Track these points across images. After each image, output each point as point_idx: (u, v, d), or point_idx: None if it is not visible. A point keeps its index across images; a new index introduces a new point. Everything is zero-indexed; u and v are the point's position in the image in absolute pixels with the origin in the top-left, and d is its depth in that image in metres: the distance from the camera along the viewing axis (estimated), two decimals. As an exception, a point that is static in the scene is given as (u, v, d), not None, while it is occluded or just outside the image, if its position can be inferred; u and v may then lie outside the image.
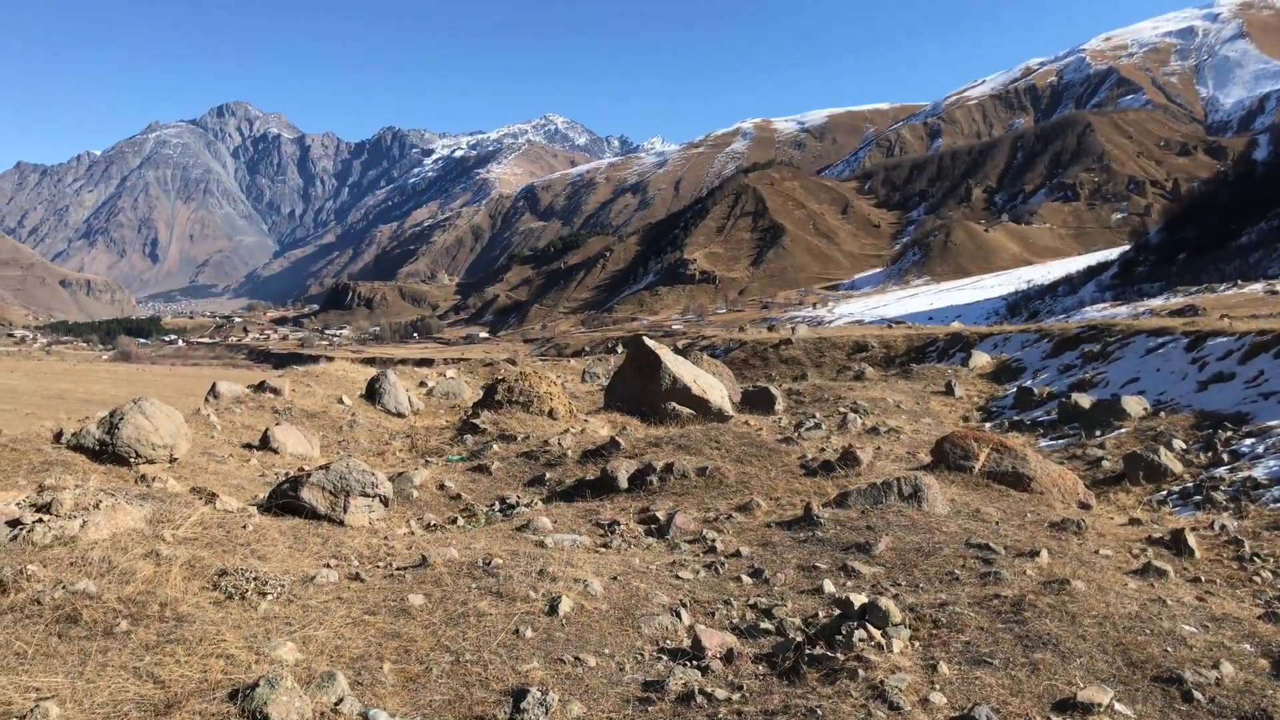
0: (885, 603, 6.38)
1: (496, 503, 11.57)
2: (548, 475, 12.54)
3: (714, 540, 9.00)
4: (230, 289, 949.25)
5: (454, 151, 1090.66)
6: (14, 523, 7.01)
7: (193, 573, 6.66)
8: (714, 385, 16.65)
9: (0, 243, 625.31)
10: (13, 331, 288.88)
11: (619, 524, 9.82)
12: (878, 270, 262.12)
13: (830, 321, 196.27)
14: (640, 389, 16.49)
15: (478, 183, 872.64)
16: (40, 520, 6.97)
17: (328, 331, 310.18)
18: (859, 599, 6.52)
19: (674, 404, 15.79)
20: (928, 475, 10.10)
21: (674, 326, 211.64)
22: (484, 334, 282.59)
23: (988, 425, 21.30)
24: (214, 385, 20.78)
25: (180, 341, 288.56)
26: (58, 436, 12.87)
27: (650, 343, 16.64)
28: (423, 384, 26.80)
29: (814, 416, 19.07)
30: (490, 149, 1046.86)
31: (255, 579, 6.69)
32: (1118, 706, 5.24)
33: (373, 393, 21.60)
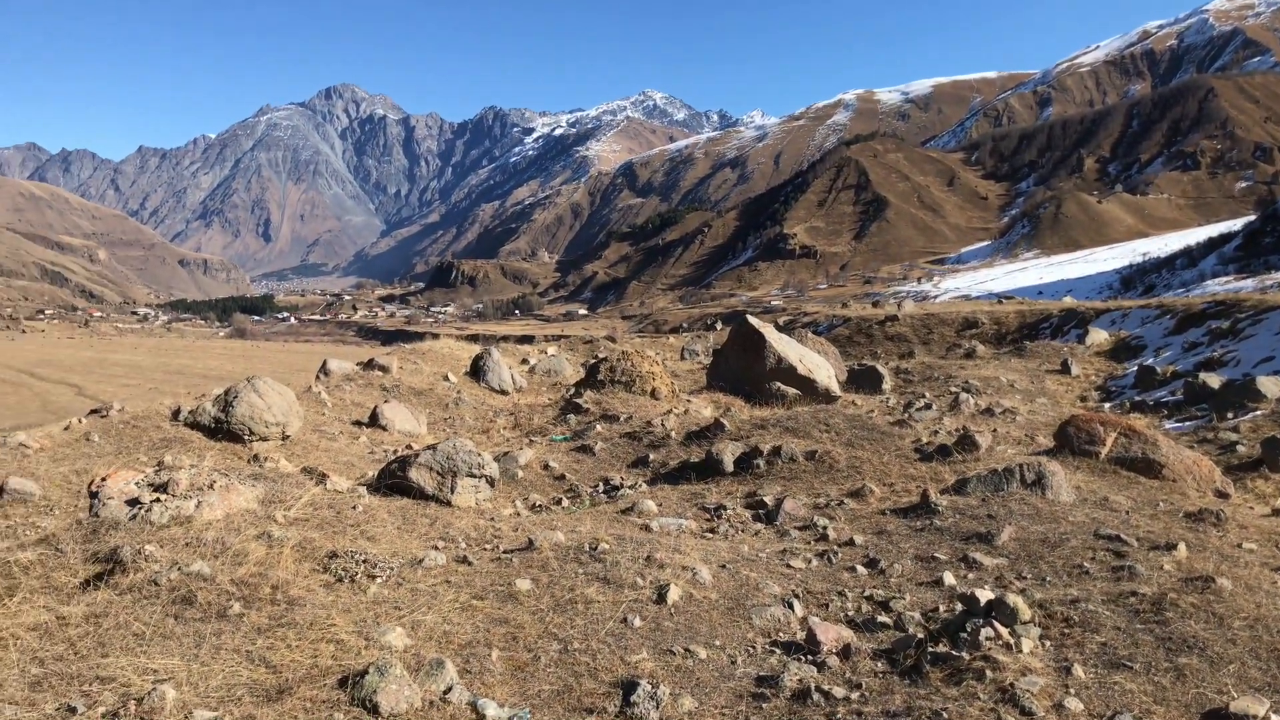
0: (1013, 599, 6.01)
1: (600, 484, 11.46)
2: (651, 457, 12.38)
3: (825, 527, 8.71)
4: (339, 268, 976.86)
5: (554, 130, 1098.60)
6: (133, 501, 7.15)
7: (303, 554, 6.69)
8: (820, 364, 16.24)
9: (124, 224, 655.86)
10: (136, 309, 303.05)
11: (725, 508, 9.59)
12: (985, 243, 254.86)
13: (935, 296, 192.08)
14: (744, 368, 16.18)
15: (577, 160, 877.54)
16: (158, 500, 7.08)
17: (433, 309, 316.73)
18: (984, 594, 6.16)
19: (779, 384, 15.45)
20: (1051, 461, 9.59)
21: (773, 302, 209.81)
22: (583, 311, 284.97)
23: (1107, 406, 20.37)
24: (325, 363, 21.25)
25: (292, 319, 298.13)
26: (175, 414, 13.25)
27: (754, 321, 16.31)
28: (525, 361, 26.99)
29: (924, 396, 18.51)
30: (589, 126, 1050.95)
31: (365, 561, 6.69)
32: (1275, 719, 4.81)
33: (477, 370, 21.80)
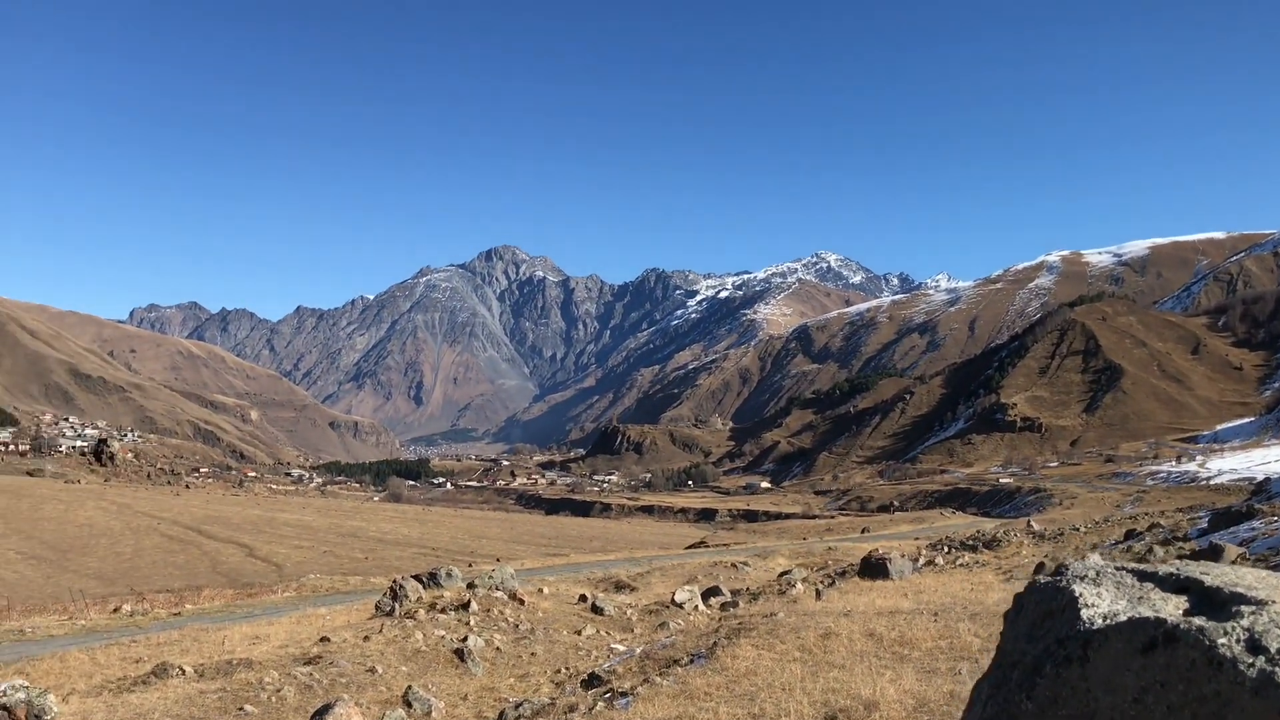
0: None
1: None
2: None
3: None
4: (490, 433, 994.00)
5: (719, 292, 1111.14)
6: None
7: None
8: None
9: (278, 385, 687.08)
10: (290, 471, 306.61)
11: None
12: (1247, 420, 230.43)
13: (1206, 479, 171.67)
14: None
15: (744, 324, 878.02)
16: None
17: (595, 477, 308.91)
18: None
19: None
20: None
21: (1001, 480, 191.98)
22: (765, 484, 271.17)
23: None
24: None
25: (448, 485, 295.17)
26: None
27: None
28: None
29: None
30: (757, 289, 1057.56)
31: None
32: None
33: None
